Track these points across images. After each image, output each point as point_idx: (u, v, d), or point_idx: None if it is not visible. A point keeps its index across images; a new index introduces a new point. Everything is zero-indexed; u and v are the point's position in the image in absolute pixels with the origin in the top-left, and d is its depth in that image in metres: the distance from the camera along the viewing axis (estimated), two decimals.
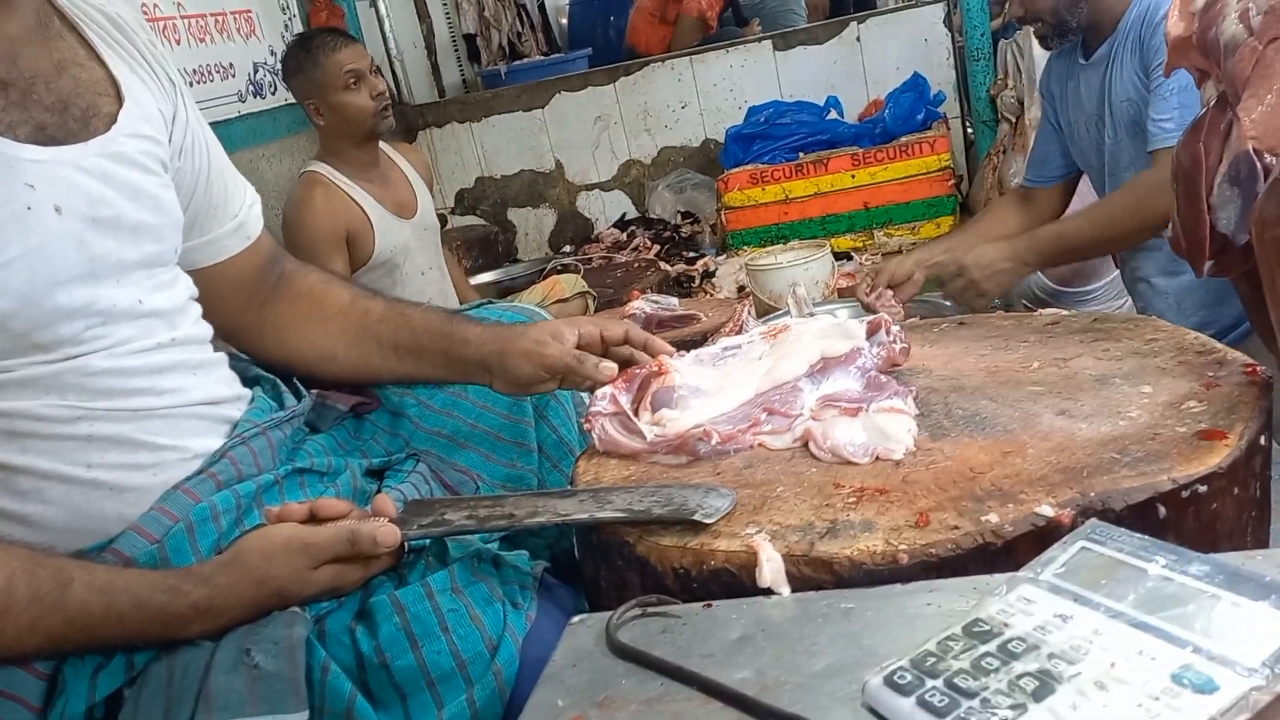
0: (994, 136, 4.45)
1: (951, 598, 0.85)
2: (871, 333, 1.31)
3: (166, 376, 1.23)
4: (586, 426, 1.25)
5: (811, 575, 0.93)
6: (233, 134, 3.70)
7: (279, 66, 4.08)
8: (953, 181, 4.30)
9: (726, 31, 5.86)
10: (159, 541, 1.13)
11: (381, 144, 3.26)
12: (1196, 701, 0.63)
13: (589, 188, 5.17)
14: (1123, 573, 0.75)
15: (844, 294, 2.65)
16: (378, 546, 1.10)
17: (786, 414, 1.19)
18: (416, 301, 1.54)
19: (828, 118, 4.57)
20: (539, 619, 1.14)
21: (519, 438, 1.44)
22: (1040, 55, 3.68)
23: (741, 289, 3.60)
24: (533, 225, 5.26)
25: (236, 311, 1.44)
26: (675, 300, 2.97)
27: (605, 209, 5.17)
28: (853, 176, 4.15)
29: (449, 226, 5.06)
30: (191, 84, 3.62)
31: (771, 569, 0.92)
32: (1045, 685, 0.67)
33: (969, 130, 4.74)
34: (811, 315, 1.69)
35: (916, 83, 4.48)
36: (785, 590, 0.92)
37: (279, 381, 1.45)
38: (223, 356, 1.36)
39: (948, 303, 2.42)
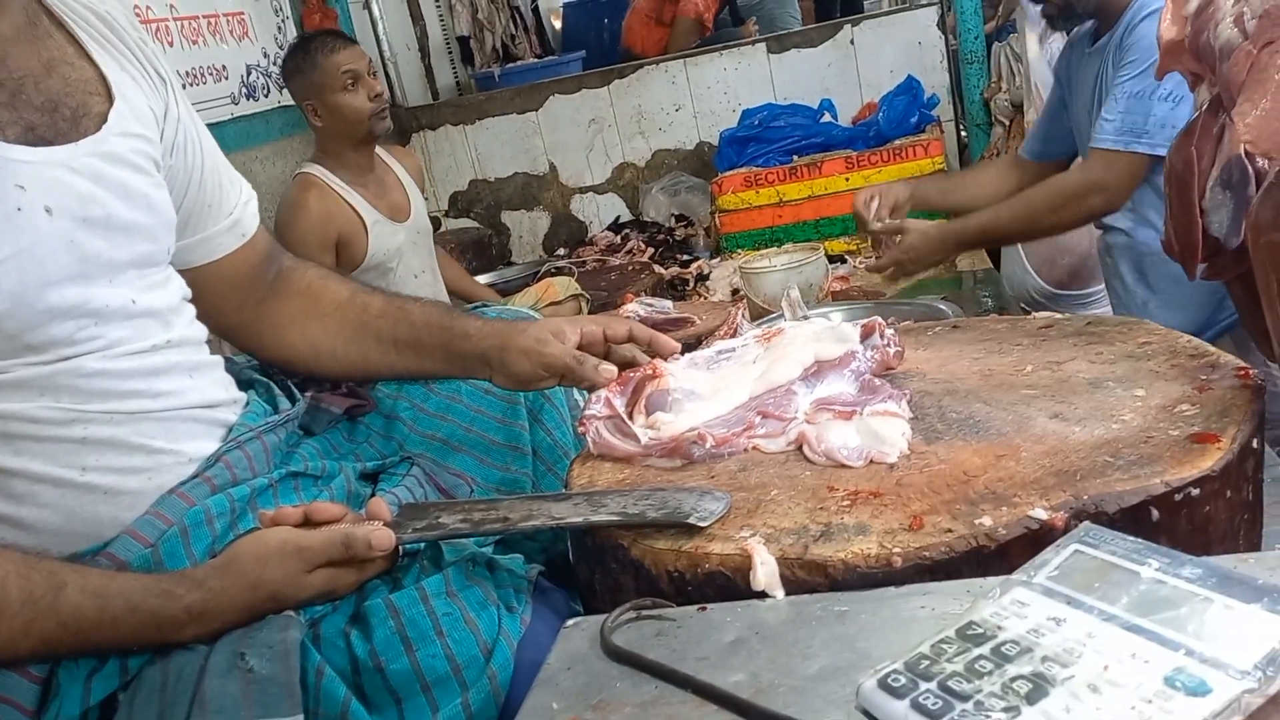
0: (988, 139, 4.45)
1: (945, 601, 0.85)
2: (865, 336, 1.32)
3: (162, 379, 1.22)
4: (581, 430, 1.25)
5: (806, 578, 0.93)
6: (226, 136, 3.70)
7: (272, 69, 4.09)
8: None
9: (723, 32, 5.87)
10: (153, 545, 1.13)
11: (376, 148, 3.26)
12: (1189, 704, 0.63)
13: (583, 191, 5.17)
14: (1116, 576, 0.76)
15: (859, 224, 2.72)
16: (372, 550, 1.10)
17: (781, 417, 1.19)
18: (415, 296, 1.54)
19: (822, 121, 4.57)
20: (534, 623, 1.15)
21: (513, 441, 1.44)
22: (1035, 58, 3.69)
23: (736, 292, 3.60)
24: (526, 228, 5.26)
25: (234, 310, 1.44)
26: (669, 303, 2.97)
27: (599, 212, 5.17)
28: (847, 179, 4.14)
29: (443, 229, 5.06)
30: (184, 86, 3.59)
31: (766, 572, 0.92)
32: (1039, 688, 0.67)
33: (963, 133, 4.74)
34: (806, 318, 1.69)
35: (910, 86, 4.48)
36: (779, 593, 0.92)
37: (273, 385, 1.45)
38: (219, 359, 1.36)
39: (943, 306, 2.42)
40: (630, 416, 1.25)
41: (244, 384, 1.42)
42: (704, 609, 0.92)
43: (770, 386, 1.25)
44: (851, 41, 4.72)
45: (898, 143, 4.27)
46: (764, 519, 1.01)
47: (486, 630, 1.09)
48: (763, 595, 0.92)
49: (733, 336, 1.54)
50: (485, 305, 1.84)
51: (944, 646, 0.74)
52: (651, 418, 1.24)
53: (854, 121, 4.64)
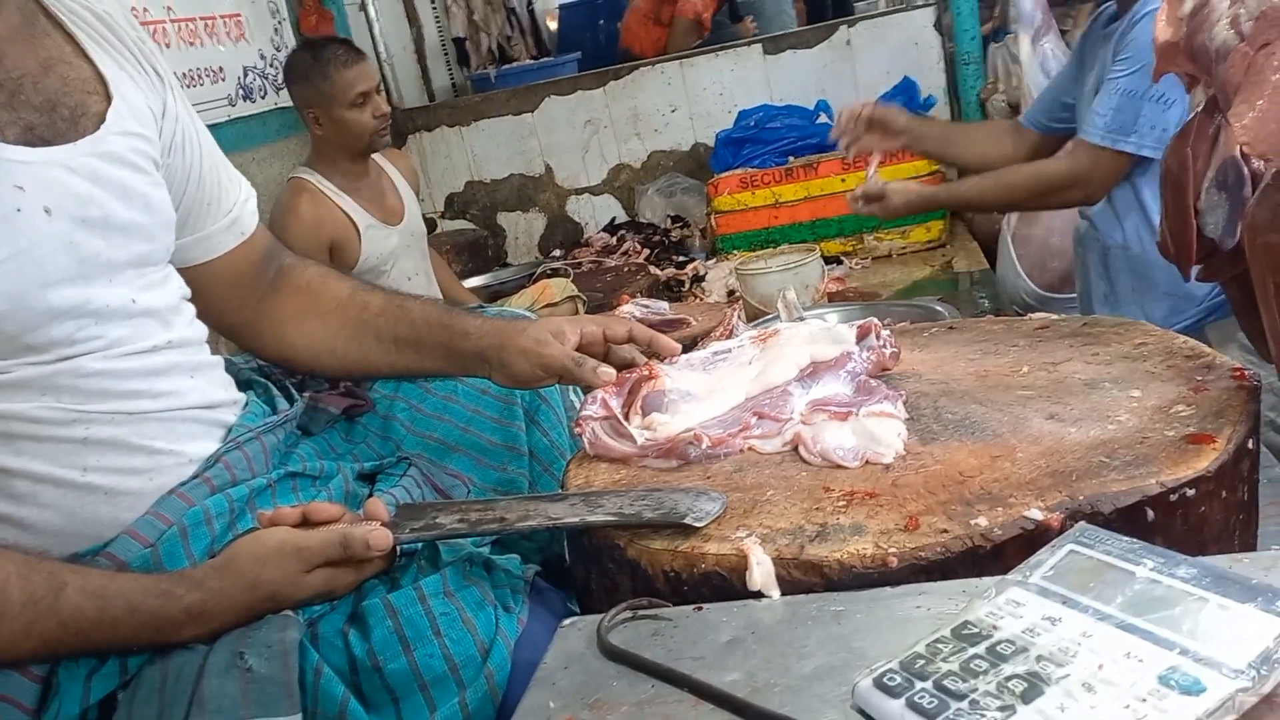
0: None
1: (941, 601, 0.85)
2: (861, 337, 1.32)
3: (162, 379, 1.22)
4: (577, 431, 1.25)
5: (801, 578, 0.93)
6: (222, 138, 3.66)
7: (269, 70, 4.08)
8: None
9: (722, 30, 5.86)
10: (152, 545, 1.13)
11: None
12: (1183, 703, 0.64)
13: (578, 192, 5.17)
14: (1111, 575, 0.76)
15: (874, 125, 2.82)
16: (370, 550, 1.10)
17: (776, 418, 1.19)
18: (415, 295, 1.54)
19: (818, 122, 4.56)
20: (530, 623, 1.15)
21: (510, 442, 1.44)
22: (1027, 59, 3.69)
23: (731, 293, 3.60)
24: (522, 229, 5.25)
25: (234, 308, 1.44)
26: (665, 304, 2.97)
27: (595, 213, 5.17)
28: (843, 180, 4.14)
29: (439, 231, 5.06)
30: (181, 88, 3.61)
31: (762, 572, 0.93)
32: (1034, 687, 0.68)
33: None
34: (801, 319, 1.70)
35: (907, 86, 4.48)
36: (775, 593, 0.92)
37: (271, 385, 1.45)
38: (219, 359, 1.36)
39: (939, 307, 2.43)
40: (626, 417, 1.25)
41: (243, 384, 1.42)
42: (700, 609, 0.92)
43: (766, 387, 1.25)
44: (848, 42, 4.72)
45: None
46: (760, 519, 1.02)
47: (484, 630, 1.09)
48: (759, 595, 0.92)
49: (728, 338, 1.55)
50: (482, 307, 1.84)
51: (939, 646, 0.74)
52: (647, 419, 1.24)
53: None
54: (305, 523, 1.12)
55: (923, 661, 0.73)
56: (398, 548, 1.15)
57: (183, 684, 1.02)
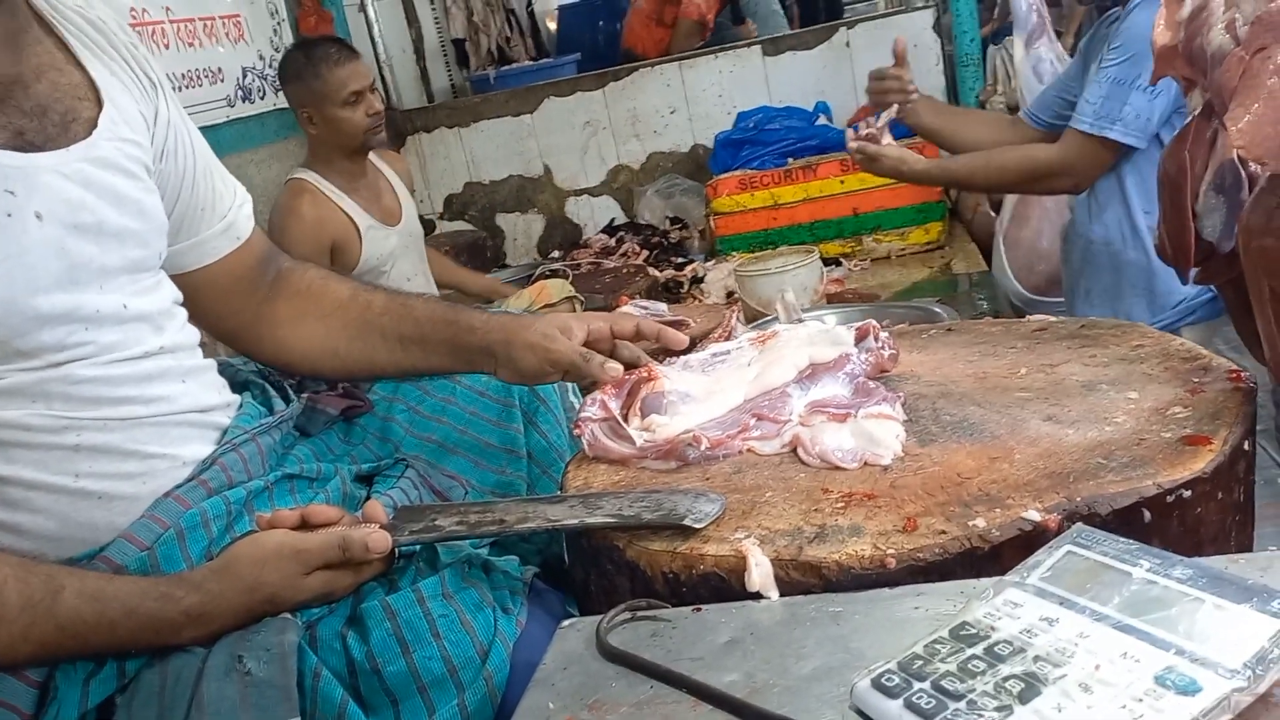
0: None
1: (939, 602, 0.85)
2: (860, 339, 1.32)
3: (154, 384, 1.22)
4: (576, 432, 1.26)
5: (800, 579, 0.94)
6: (221, 139, 3.70)
7: (268, 71, 4.09)
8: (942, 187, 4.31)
9: (723, 32, 5.87)
10: (149, 548, 1.13)
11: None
12: (1179, 703, 0.64)
13: (577, 193, 5.17)
14: (1107, 576, 0.76)
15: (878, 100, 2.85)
16: (369, 552, 1.10)
17: (775, 420, 1.20)
18: (418, 293, 1.54)
19: (817, 123, 4.57)
20: (529, 624, 1.15)
21: (509, 444, 1.44)
22: (1020, 62, 3.70)
23: (730, 295, 3.60)
24: (521, 230, 5.26)
25: (232, 313, 1.44)
26: (664, 306, 2.98)
27: (594, 214, 5.17)
28: (842, 182, 4.14)
29: (437, 232, 5.06)
30: (180, 89, 3.61)
31: (760, 573, 0.93)
32: (1031, 687, 0.68)
33: None
34: (800, 321, 1.70)
35: None
36: (774, 594, 0.92)
37: (268, 386, 1.45)
38: (212, 363, 1.36)
39: (938, 309, 2.43)
40: (625, 419, 1.25)
41: (239, 386, 1.42)
42: (699, 610, 0.92)
43: (765, 389, 1.25)
44: (847, 44, 4.72)
45: None
46: (759, 521, 1.02)
47: (483, 632, 1.09)
48: (757, 596, 0.93)
49: (727, 339, 1.55)
50: (480, 307, 1.84)
51: (937, 647, 0.74)
52: (646, 420, 1.24)
53: (849, 124, 4.63)
54: (304, 525, 1.12)
55: (921, 662, 0.73)
56: (396, 550, 1.15)
57: (181, 687, 1.02)
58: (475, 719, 1.07)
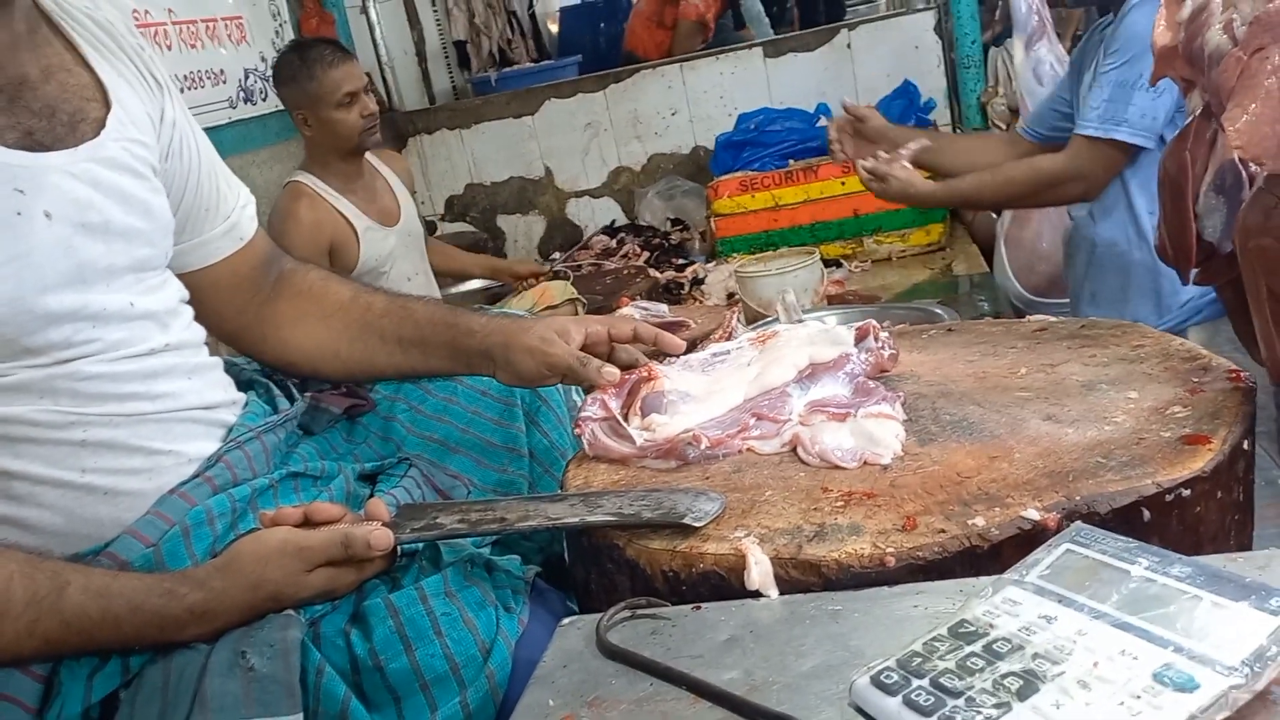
0: None
1: (938, 600, 0.86)
2: (860, 339, 1.32)
3: (160, 381, 1.23)
4: (577, 432, 1.26)
5: (799, 578, 0.94)
6: (223, 140, 3.70)
7: (270, 73, 4.09)
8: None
9: (725, 35, 5.87)
10: (154, 545, 1.14)
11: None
12: (1177, 699, 0.64)
13: (578, 194, 5.17)
14: (1106, 574, 0.77)
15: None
16: (371, 550, 1.10)
17: (775, 419, 1.20)
18: (418, 295, 1.55)
19: (818, 125, 4.57)
20: (531, 623, 1.15)
21: (510, 443, 1.45)
22: (1020, 64, 3.70)
23: (731, 296, 3.60)
24: (522, 232, 5.26)
25: (234, 313, 1.45)
26: (664, 307, 2.98)
27: (595, 216, 5.17)
28: (843, 184, 4.14)
29: (439, 233, 5.07)
30: (182, 90, 3.61)
31: (760, 572, 0.93)
32: (1029, 684, 0.68)
33: None
34: (801, 322, 1.70)
35: (907, 90, 4.49)
36: (773, 592, 0.93)
37: (272, 385, 1.45)
38: (218, 360, 1.37)
39: (938, 310, 2.44)
40: (626, 418, 1.25)
41: (244, 385, 1.42)
42: (699, 608, 0.93)
43: (765, 389, 1.26)
44: (848, 46, 4.73)
45: None
46: (758, 519, 1.02)
47: (484, 630, 1.10)
48: (757, 594, 0.93)
49: (728, 340, 1.55)
50: (482, 308, 1.85)
51: (936, 644, 0.75)
52: (647, 420, 1.25)
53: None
54: (307, 523, 1.13)
55: (919, 659, 0.73)
56: (399, 548, 1.15)
57: (185, 683, 1.02)
58: (477, 716, 1.07)
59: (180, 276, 1.36)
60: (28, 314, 1.10)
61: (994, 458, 1.06)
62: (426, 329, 1.45)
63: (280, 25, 4.40)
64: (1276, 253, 0.97)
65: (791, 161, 4.35)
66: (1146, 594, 0.74)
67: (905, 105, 4.42)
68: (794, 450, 1.17)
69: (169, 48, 3.62)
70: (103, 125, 1.22)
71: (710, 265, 4.18)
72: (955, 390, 1.26)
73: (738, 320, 2.39)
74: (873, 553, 0.93)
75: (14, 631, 1.00)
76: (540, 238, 5.23)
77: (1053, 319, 1.50)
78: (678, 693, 0.81)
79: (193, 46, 3.78)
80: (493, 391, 1.46)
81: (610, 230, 5.01)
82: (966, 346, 1.43)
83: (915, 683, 0.71)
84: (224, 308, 1.43)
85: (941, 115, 4.67)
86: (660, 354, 1.41)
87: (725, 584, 0.96)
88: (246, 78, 4.09)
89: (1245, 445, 1.05)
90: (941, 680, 0.71)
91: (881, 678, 0.72)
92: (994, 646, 0.73)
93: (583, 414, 1.26)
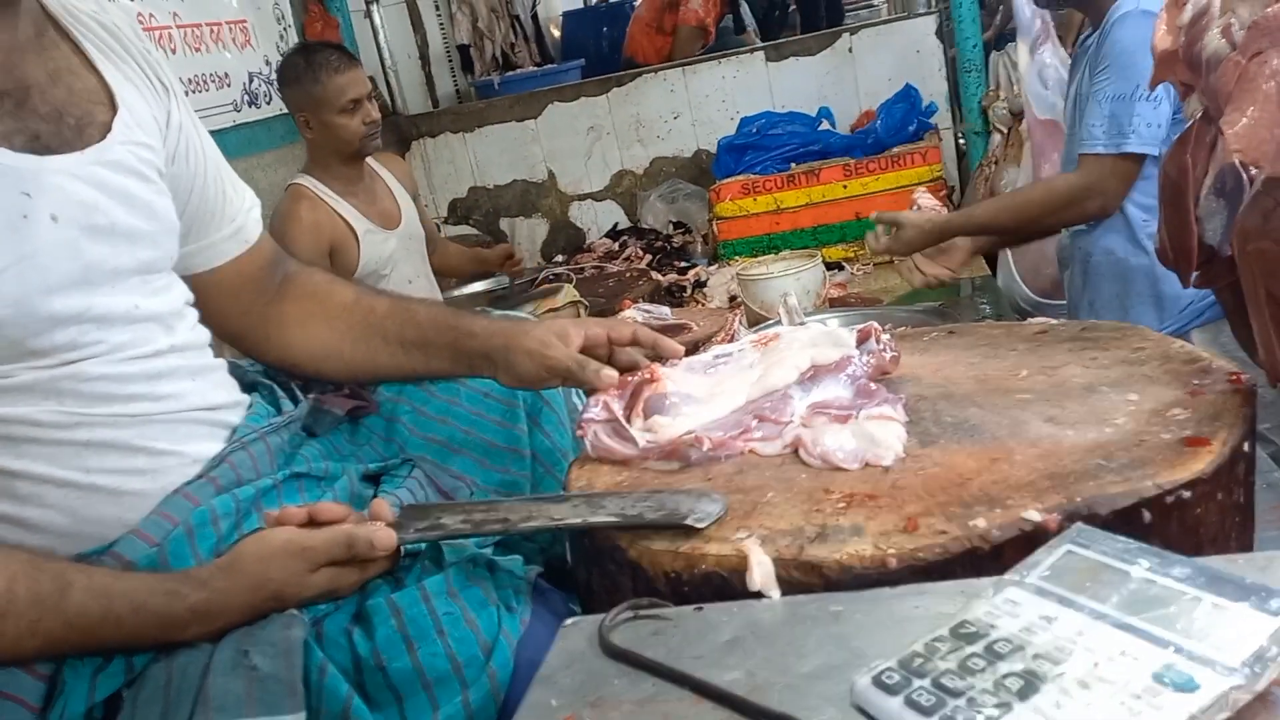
0: (986, 147, 4.46)
1: (939, 601, 0.86)
2: (861, 341, 1.33)
3: (165, 382, 1.24)
4: (579, 433, 1.26)
5: (801, 579, 0.94)
6: (228, 144, 3.69)
7: (274, 76, 4.10)
8: (945, 192, 4.31)
9: (726, 39, 5.88)
10: (159, 545, 1.14)
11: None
12: (1177, 700, 0.64)
13: (581, 198, 5.18)
14: (1106, 575, 0.77)
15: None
16: (374, 550, 1.11)
17: (777, 421, 1.20)
18: (420, 298, 1.55)
19: (820, 128, 4.58)
20: (533, 623, 1.15)
21: (513, 444, 1.45)
22: (1025, 68, 3.70)
23: (733, 299, 3.61)
24: (525, 235, 5.26)
25: (238, 315, 1.45)
26: (667, 310, 2.98)
27: (597, 219, 5.18)
28: (844, 187, 4.16)
29: (442, 235, 5.07)
30: (187, 93, 3.62)
31: (762, 572, 0.93)
32: (1030, 684, 0.69)
33: (961, 141, 4.75)
34: (802, 324, 1.70)
35: (908, 93, 4.49)
36: (775, 593, 0.93)
37: (276, 387, 1.46)
38: (222, 362, 1.37)
39: (940, 313, 2.44)
40: (628, 420, 1.26)
41: (248, 386, 1.43)
42: (700, 609, 0.93)
43: (767, 390, 1.26)
44: (850, 50, 4.73)
45: (895, 150, 4.28)
46: (760, 520, 1.02)
47: (486, 629, 1.10)
48: (759, 595, 0.93)
49: (730, 342, 1.56)
50: (486, 310, 1.85)
51: (937, 645, 0.75)
52: (649, 421, 1.25)
53: (852, 129, 4.65)
54: (311, 523, 1.13)
55: (921, 660, 0.74)
56: (402, 548, 1.16)
57: (188, 682, 1.02)
58: (479, 716, 1.07)
59: (185, 279, 1.36)
60: (33, 316, 1.11)
61: (995, 459, 1.06)
62: (428, 331, 1.45)
63: (285, 29, 4.41)
64: (1275, 255, 0.97)
65: (793, 165, 4.36)
66: (1147, 595, 0.74)
67: (907, 109, 4.43)
68: (796, 452, 1.17)
69: (174, 51, 3.63)
70: (109, 128, 1.23)
71: (712, 268, 4.19)
72: (957, 392, 1.26)
73: (740, 323, 2.39)
74: (874, 554, 0.93)
75: (17, 631, 1.01)
76: (543, 240, 5.23)
77: (1054, 321, 1.50)
78: (680, 693, 0.81)
79: (197, 50, 3.79)
80: (495, 393, 1.47)
81: (613, 233, 5.02)
82: (968, 349, 1.43)
83: (916, 683, 0.71)
84: (229, 309, 1.44)
85: (943, 119, 4.67)
86: (659, 357, 1.41)
87: (727, 585, 0.96)
88: (251, 81, 4.10)
89: (1245, 447, 1.05)
90: (943, 680, 0.71)
91: (883, 678, 0.73)
92: (995, 647, 0.73)
93: (585, 415, 1.26)
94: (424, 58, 5.74)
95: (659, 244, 4.68)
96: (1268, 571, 0.80)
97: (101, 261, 1.18)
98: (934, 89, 4.65)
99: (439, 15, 5.99)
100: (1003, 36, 5.15)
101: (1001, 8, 5.51)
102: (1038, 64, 3.62)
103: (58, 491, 1.14)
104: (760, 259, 3.71)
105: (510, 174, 5.17)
